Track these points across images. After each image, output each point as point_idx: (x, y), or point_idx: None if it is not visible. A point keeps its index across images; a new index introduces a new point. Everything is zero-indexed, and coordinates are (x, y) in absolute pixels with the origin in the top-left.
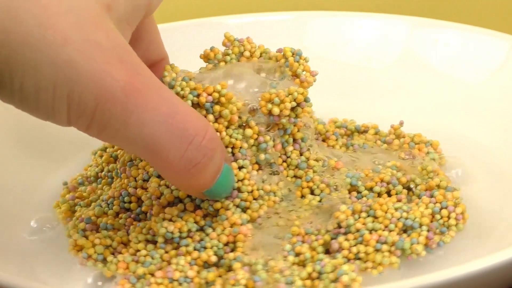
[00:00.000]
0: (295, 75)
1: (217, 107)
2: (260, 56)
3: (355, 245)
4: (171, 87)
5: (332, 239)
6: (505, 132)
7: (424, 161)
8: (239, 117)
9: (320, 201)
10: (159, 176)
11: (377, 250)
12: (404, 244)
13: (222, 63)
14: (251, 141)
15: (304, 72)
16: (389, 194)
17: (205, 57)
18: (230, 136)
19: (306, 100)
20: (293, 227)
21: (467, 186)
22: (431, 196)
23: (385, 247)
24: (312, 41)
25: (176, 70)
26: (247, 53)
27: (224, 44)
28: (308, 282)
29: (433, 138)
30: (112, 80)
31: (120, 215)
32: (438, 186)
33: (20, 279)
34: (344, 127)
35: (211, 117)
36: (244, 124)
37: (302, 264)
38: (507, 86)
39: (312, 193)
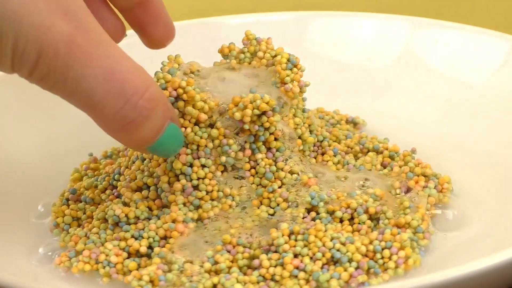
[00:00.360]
0: (283, 83)
1: (181, 103)
2: (272, 58)
3: (275, 266)
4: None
5: (262, 254)
6: (505, 132)
7: (417, 195)
8: (211, 116)
9: (273, 214)
10: (143, 160)
11: (295, 276)
12: (320, 277)
13: (234, 61)
14: (217, 142)
15: (293, 82)
16: (353, 221)
17: (221, 52)
18: (195, 133)
19: (275, 109)
20: (225, 235)
21: (467, 190)
22: (382, 233)
23: (302, 274)
24: (312, 41)
25: (179, 61)
26: (260, 54)
27: (242, 42)
28: None
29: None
30: (54, 34)
31: (106, 191)
32: (408, 225)
33: (20, 279)
34: (362, 145)
35: (177, 111)
36: (215, 124)
37: (219, 273)
38: (507, 86)
39: (270, 205)
